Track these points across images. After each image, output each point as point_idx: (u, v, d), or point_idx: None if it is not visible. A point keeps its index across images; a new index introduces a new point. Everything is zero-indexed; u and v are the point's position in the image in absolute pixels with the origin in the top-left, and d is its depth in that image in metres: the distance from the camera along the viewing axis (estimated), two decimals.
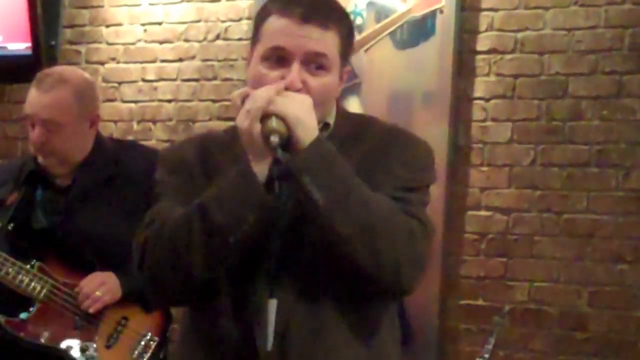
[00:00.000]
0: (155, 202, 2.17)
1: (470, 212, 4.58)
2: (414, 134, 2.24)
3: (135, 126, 5.26)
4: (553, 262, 4.43)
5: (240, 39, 5.00)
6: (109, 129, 5.30)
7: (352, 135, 2.14)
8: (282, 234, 2.05)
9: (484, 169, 4.56)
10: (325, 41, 2.07)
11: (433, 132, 4.56)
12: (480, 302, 4.55)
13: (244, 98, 2.04)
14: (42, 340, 3.23)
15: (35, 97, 3.27)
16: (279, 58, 2.07)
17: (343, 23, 2.13)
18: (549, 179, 4.45)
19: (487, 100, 4.57)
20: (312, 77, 2.07)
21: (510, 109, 4.53)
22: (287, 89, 2.04)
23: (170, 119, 5.17)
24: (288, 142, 1.99)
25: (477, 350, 3.94)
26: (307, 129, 2.00)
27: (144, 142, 5.18)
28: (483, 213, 4.56)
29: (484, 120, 4.57)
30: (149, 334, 3.32)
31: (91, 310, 3.23)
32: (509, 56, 4.55)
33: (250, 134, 1.99)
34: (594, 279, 4.36)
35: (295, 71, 2.04)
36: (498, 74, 4.56)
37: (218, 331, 2.07)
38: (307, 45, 2.06)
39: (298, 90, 2.04)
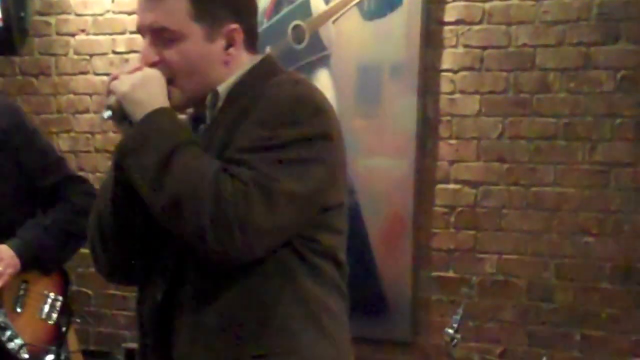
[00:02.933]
0: (286, 165, 2.00)
1: (439, 186, 4.60)
2: (291, 87, 2.06)
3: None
4: (520, 235, 4.47)
5: None
6: (85, 103, 5.30)
7: (234, 100, 2.08)
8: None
9: (453, 142, 4.57)
10: (164, 11, 2.04)
11: (402, 104, 4.58)
12: (450, 273, 4.61)
13: None
14: None
15: None
16: (141, 35, 2.11)
17: None
18: (517, 152, 4.47)
19: (455, 72, 4.56)
20: (166, 49, 2.05)
21: (478, 81, 4.52)
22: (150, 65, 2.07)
23: None
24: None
25: (448, 321, 3.99)
26: (134, 104, 2.01)
27: None
28: (452, 186, 4.58)
29: (452, 93, 4.57)
30: (52, 293, 3.36)
31: None
32: (476, 27, 4.52)
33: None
34: (561, 251, 4.41)
35: (143, 48, 2.08)
36: (466, 46, 4.54)
37: None
38: (146, 20, 2.06)
39: (153, 65, 2.06)
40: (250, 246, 1.97)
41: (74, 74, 5.28)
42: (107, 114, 2.06)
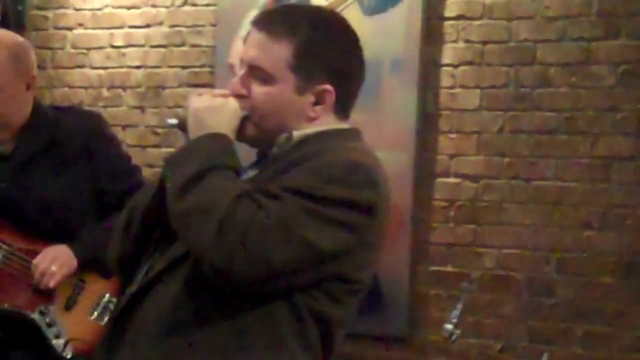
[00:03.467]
0: (317, 218, 1.97)
1: (439, 179, 4.59)
2: (349, 153, 2.04)
3: (105, 93, 5.24)
4: (521, 229, 4.46)
5: (207, 5, 4.97)
6: (79, 96, 5.29)
7: (304, 150, 2.08)
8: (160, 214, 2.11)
9: (453, 136, 4.57)
10: (268, 52, 2.06)
11: (402, 99, 4.57)
12: (449, 268, 4.59)
13: None
14: (5, 305, 3.24)
15: None
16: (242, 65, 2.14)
17: (300, 34, 2.06)
18: (518, 146, 4.46)
19: (456, 66, 4.56)
20: (256, 86, 2.08)
21: (478, 76, 4.52)
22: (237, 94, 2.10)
23: (139, 86, 5.16)
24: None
25: (447, 316, 3.95)
26: (199, 122, 2.06)
27: (115, 109, 5.21)
28: (452, 180, 4.57)
29: (452, 87, 4.57)
30: (107, 294, 3.34)
31: (51, 285, 3.24)
32: (477, 22, 4.53)
33: None
34: (562, 245, 4.39)
35: (236, 78, 2.10)
36: (466, 40, 4.55)
37: None
38: (249, 53, 2.10)
39: (240, 96, 2.08)
40: (250, 275, 1.94)
41: (70, 68, 5.28)
42: (172, 121, 2.14)
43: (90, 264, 3.29)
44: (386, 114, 4.60)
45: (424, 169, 4.58)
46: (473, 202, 4.54)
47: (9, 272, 3.26)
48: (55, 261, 3.24)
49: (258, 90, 2.08)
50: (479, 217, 4.52)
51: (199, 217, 1.95)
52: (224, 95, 2.09)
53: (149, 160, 5.11)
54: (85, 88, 5.27)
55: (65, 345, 3.24)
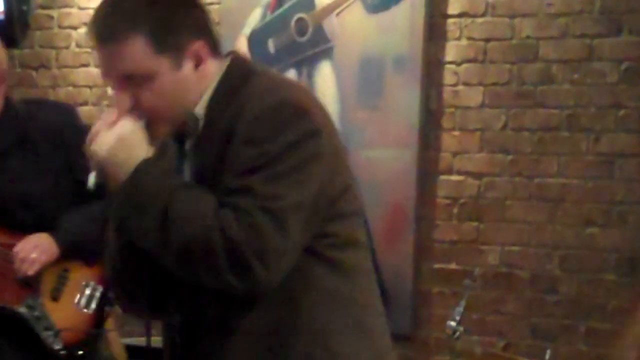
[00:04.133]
0: (284, 179, 1.97)
1: (442, 177, 4.59)
2: (269, 94, 2.00)
3: (109, 91, 5.19)
4: (524, 226, 4.46)
5: (211, 4, 4.94)
6: (84, 95, 5.29)
7: (213, 117, 2.05)
8: None
9: (456, 133, 4.57)
10: (126, 56, 1.99)
11: (404, 96, 4.58)
12: (452, 265, 4.59)
13: None
14: None
15: None
16: (110, 81, 2.07)
17: (141, 20, 2.00)
18: (520, 143, 4.46)
19: (459, 64, 4.56)
20: (139, 90, 2.02)
21: (481, 73, 4.52)
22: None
23: None
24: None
25: (450, 313, 3.96)
26: (115, 167, 2.01)
27: None
28: (455, 177, 4.57)
29: (455, 85, 4.57)
30: (92, 282, 3.34)
31: (30, 273, 3.23)
32: (479, 20, 4.53)
33: None
34: (565, 242, 4.39)
35: (116, 96, 2.04)
36: (469, 38, 4.55)
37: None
38: (112, 68, 2.02)
39: (130, 109, 2.03)
40: (273, 273, 1.96)
41: (75, 67, 5.28)
42: (92, 182, 2.07)
43: (72, 251, 3.27)
44: (389, 111, 4.60)
45: (427, 166, 4.59)
46: (476, 199, 4.54)
47: None
48: (36, 248, 3.23)
49: (143, 93, 2.01)
50: (482, 215, 4.53)
51: (198, 253, 1.93)
52: (114, 121, 2.02)
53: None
54: (90, 87, 5.27)
55: (55, 336, 3.23)
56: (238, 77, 2.06)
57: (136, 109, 2.02)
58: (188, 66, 2.02)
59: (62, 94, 5.33)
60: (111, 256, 2.15)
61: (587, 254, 4.36)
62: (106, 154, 2.01)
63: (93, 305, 3.33)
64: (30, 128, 3.28)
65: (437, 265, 4.61)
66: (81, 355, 3.30)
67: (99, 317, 3.37)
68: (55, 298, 3.30)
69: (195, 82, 2.04)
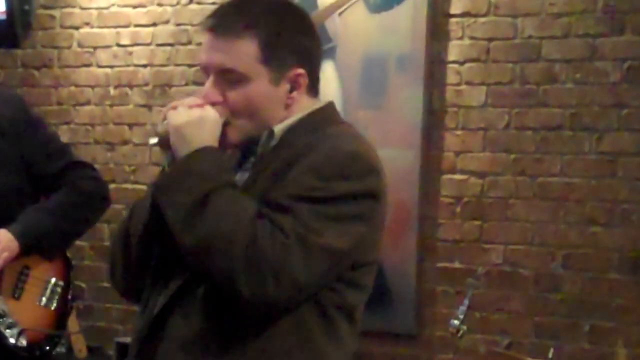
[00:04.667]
0: (331, 219, 1.99)
1: (445, 176, 4.60)
2: (346, 141, 2.05)
3: (112, 91, 5.24)
4: (527, 225, 4.47)
5: (214, 3, 4.95)
6: (87, 95, 5.30)
7: (288, 145, 2.08)
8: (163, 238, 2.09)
9: (459, 132, 4.58)
10: (235, 53, 2.03)
11: (407, 95, 4.58)
12: (456, 264, 4.60)
13: None
14: None
15: None
16: (204, 72, 2.10)
17: (261, 26, 2.04)
18: (523, 143, 4.47)
19: (461, 63, 4.57)
20: (230, 90, 2.05)
21: (484, 73, 4.53)
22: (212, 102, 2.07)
23: (146, 84, 5.16)
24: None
25: (454, 312, 3.96)
26: (182, 139, 2.01)
27: (122, 108, 5.21)
28: (458, 177, 4.58)
29: (458, 84, 4.58)
30: (53, 279, 3.32)
31: None
32: (482, 19, 4.54)
33: None
34: (568, 241, 4.40)
35: (207, 86, 2.07)
36: (472, 37, 4.56)
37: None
38: (215, 60, 2.05)
39: (215, 103, 2.05)
40: (283, 297, 1.96)
41: (77, 67, 5.28)
42: (154, 140, 2.06)
43: (31, 246, 3.22)
44: (392, 111, 4.61)
45: (430, 165, 4.59)
46: (479, 198, 4.55)
47: None
48: None
49: (233, 93, 2.05)
50: (486, 214, 4.54)
51: (219, 248, 1.94)
52: (200, 105, 2.05)
53: (156, 158, 5.07)
54: (92, 87, 5.27)
55: (19, 334, 3.19)
56: (324, 118, 2.11)
57: (220, 108, 2.05)
58: (283, 87, 2.06)
59: (64, 93, 5.33)
60: (128, 237, 2.14)
61: (591, 253, 4.37)
62: (180, 124, 2.01)
63: (55, 302, 3.31)
64: None
65: (440, 264, 4.62)
66: (42, 354, 3.27)
67: (61, 314, 3.34)
68: (16, 296, 3.25)
69: (283, 104, 2.07)
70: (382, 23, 4.64)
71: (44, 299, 3.31)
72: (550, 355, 3.91)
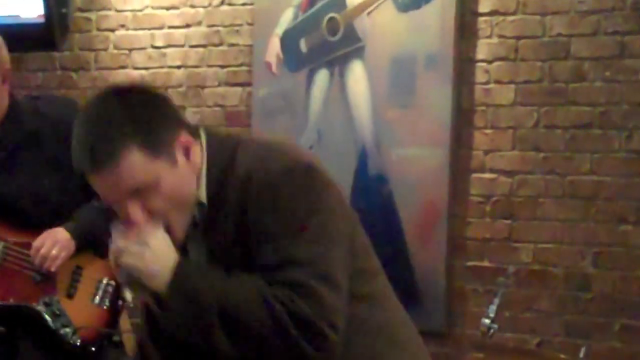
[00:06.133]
0: (317, 239, 2.03)
1: (474, 175, 4.60)
2: (271, 163, 2.03)
3: None
4: (557, 224, 4.45)
5: (244, 4, 5.01)
6: None
7: (219, 198, 2.05)
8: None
9: (488, 131, 4.57)
10: (126, 174, 1.98)
11: (436, 95, 4.59)
12: (486, 263, 4.59)
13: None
14: (11, 300, 3.27)
15: None
16: (117, 204, 2.04)
17: (134, 130, 1.97)
18: (553, 141, 4.46)
19: (490, 62, 4.56)
20: (148, 199, 2.01)
21: (513, 71, 4.52)
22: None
23: (180, 85, 5.20)
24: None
25: (484, 311, 3.95)
26: (154, 277, 2.00)
27: None
28: (487, 175, 4.58)
29: (487, 83, 4.57)
30: (105, 278, 3.36)
31: (52, 269, 3.25)
32: (510, 17, 4.52)
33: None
34: (598, 239, 4.38)
35: (131, 213, 2.00)
36: (500, 36, 4.54)
37: None
38: (115, 189, 2.00)
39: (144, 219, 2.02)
40: (340, 330, 2.01)
41: (113, 68, 5.34)
42: (129, 296, 2.04)
43: (85, 244, 3.28)
44: (421, 110, 4.62)
45: (460, 164, 4.60)
46: (508, 197, 4.54)
47: (8, 267, 3.27)
48: (56, 244, 3.24)
49: (152, 201, 2.00)
50: (515, 212, 4.53)
51: (270, 338, 1.96)
52: (132, 233, 2.01)
53: None
54: None
55: (73, 333, 3.26)
56: (224, 150, 2.08)
57: (150, 218, 2.01)
58: (181, 159, 2.03)
59: None
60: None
61: (621, 251, 4.34)
62: (142, 268, 2.00)
63: (107, 301, 3.37)
64: (38, 124, 3.28)
65: (470, 263, 4.62)
66: (94, 350, 3.33)
67: (113, 313, 3.40)
68: (70, 295, 3.32)
69: (191, 171, 2.05)
70: (410, 22, 4.65)
71: (97, 298, 3.37)
72: (581, 354, 3.90)
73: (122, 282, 2.06)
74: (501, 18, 4.54)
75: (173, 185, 2.01)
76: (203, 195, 2.07)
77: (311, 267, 1.98)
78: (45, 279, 3.30)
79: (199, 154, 2.07)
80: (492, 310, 3.93)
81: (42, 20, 5.30)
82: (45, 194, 3.27)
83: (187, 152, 2.04)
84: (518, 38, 4.51)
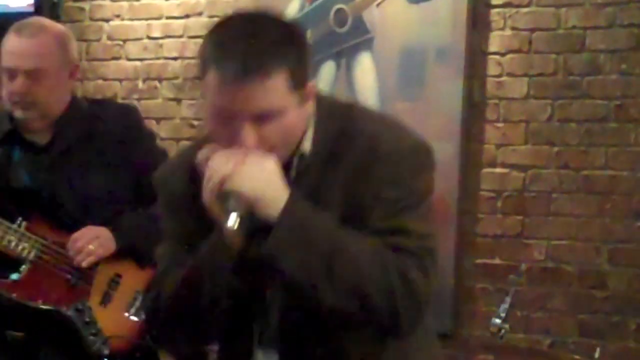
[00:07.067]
0: (161, 239, 2.12)
1: (485, 170, 4.51)
2: (400, 135, 2.05)
3: (140, 84, 5.17)
4: (571, 220, 4.37)
5: None
6: (114, 88, 5.23)
7: (332, 155, 2.00)
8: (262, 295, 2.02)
9: (500, 125, 4.49)
10: (270, 92, 1.90)
11: (447, 88, 4.51)
12: (496, 260, 4.49)
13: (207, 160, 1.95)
14: (39, 302, 3.16)
15: (17, 46, 3.16)
16: (225, 117, 1.92)
17: (288, 54, 1.93)
18: (567, 135, 4.38)
19: (503, 55, 4.49)
20: (266, 128, 1.92)
21: (526, 64, 4.45)
22: None
23: (176, 77, 5.08)
24: (253, 216, 1.90)
25: (494, 310, 3.86)
26: (269, 203, 1.90)
27: (150, 101, 5.14)
28: (499, 170, 4.49)
29: (499, 76, 4.50)
30: (143, 290, 3.26)
31: (84, 265, 3.17)
32: (524, 9, 4.46)
33: (213, 212, 1.91)
34: (614, 236, 4.30)
35: (246, 136, 1.91)
36: (513, 28, 4.48)
37: None
38: (251, 105, 1.89)
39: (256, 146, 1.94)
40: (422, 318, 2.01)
41: (105, 60, 5.22)
42: (234, 222, 1.87)
43: (128, 251, 3.22)
44: (432, 103, 4.52)
45: (471, 159, 4.50)
46: (521, 192, 4.45)
47: (43, 267, 3.17)
48: (95, 239, 3.17)
49: (268, 129, 1.92)
50: (527, 208, 4.43)
51: (372, 295, 1.91)
52: (239, 158, 1.90)
53: None
54: (120, 80, 5.20)
55: (103, 343, 3.16)
56: (336, 110, 2.06)
57: (261, 146, 1.92)
58: (305, 104, 1.99)
59: (90, 87, 5.24)
60: (198, 308, 2.02)
61: (637, 248, 4.26)
62: (258, 191, 1.88)
63: (143, 314, 3.21)
64: (95, 127, 3.26)
65: (480, 260, 4.51)
66: None
67: (146, 328, 3.25)
68: (104, 303, 3.22)
69: (306, 121, 2.01)
70: (421, 14, 4.56)
71: (132, 309, 3.26)
72: (596, 355, 3.79)
73: (226, 209, 1.88)
74: (514, 10, 4.47)
75: (293, 124, 1.96)
76: (307, 146, 2.02)
77: (421, 240, 1.97)
78: (81, 283, 3.20)
79: (312, 106, 2.03)
80: (503, 309, 3.82)
81: (31, 9, 5.16)
82: (94, 197, 3.22)
83: (309, 98, 2.00)
84: (532, 30, 4.45)
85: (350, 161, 1.97)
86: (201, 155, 1.95)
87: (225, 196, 1.88)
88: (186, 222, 2.04)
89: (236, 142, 1.90)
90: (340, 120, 2.03)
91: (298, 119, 1.96)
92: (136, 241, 3.20)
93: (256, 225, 1.90)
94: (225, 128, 1.91)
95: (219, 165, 1.89)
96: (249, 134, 1.90)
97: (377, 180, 1.95)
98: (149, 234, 3.13)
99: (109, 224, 3.21)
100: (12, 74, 3.15)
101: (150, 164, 3.21)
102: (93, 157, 3.23)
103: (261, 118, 1.90)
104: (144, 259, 3.23)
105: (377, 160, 1.96)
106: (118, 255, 3.23)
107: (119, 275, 3.25)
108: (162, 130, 5.09)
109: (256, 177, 1.89)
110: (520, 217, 4.45)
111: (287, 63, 1.91)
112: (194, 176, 1.98)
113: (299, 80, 1.93)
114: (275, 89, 1.89)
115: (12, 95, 3.16)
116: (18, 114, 3.19)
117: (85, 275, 3.20)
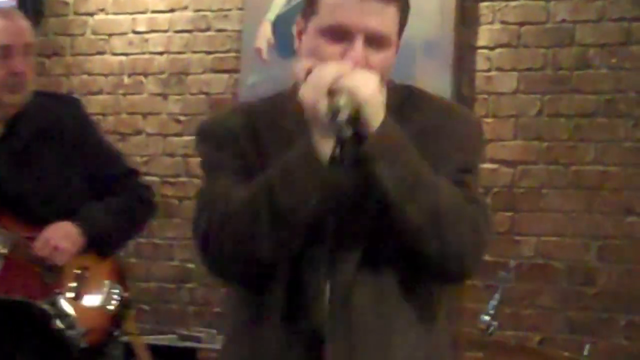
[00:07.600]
0: (207, 180, 2.08)
1: None
2: (466, 111, 2.22)
3: (126, 80, 5.14)
4: (560, 216, 4.36)
5: None
6: (100, 83, 5.20)
7: (402, 110, 2.03)
8: (339, 211, 1.98)
9: (489, 120, 4.47)
10: (387, 18, 1.99)
11: (435, 82, 4.47)
12: (485, 257, 4.44)
13: (308, 72, 1.97)
14: (16, 296, 3.14)
15: (10, 24, 3.08)
16: (339, 34, 1.98)
17: None
18: (556, 130, 4.37)
19: (492, 49, 4.48)
20: (374, 53, 1.98)
21: (515, 58, 4.44)
22: None
23: (162, 72, 5.05)
24: (355, 121, 1.91)
25: (482, 307, 3.83)
26: (376, 109, 1.93)
27: (135, 96, 5.11)
28: (488, 166, 4.45)
29: (488, 70, 4.49)
30: (108, 281, 3.26)
31: (59, 263, 3.13)
32: (513, 3, 4.45)
33: (316, 110, 1.91)
34: (603, 232, 4.30)
35: (359, 50, 1.96)
36: (502, 22, 4.46)
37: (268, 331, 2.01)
38: (370, 23, 1.96)
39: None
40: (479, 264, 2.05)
41: (90, 54, 5.19)
42: (344, 116, 1.88)
43: (93, 243, 3.18)
44: None
45: None
46: (510, 188, 4.43)
47: (16, 262, 3.14)
48: (66, 238, 3.13)
49: (374, 57, 1.97)
50: (517, 204, 4.42)
51: (452, 226, 1.94)
52: (349, 66, 1.94)
53: (170, 149, 5.03)
54: (105, 75, 5.17)
55: (82, 335, 3.14)
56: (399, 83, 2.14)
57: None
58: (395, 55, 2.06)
59: (75, 82, 5.22)
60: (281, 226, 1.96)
61: (627, 244, 4.25)
62: (370, 93, 1.91)
63: (112, 305, 3.25)
64: (46, 121, 3.19)
65: None
66: (100, 355, 3.23)
67: (118, 317, 3.30)
68: (76, 296, 3.19)
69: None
70: None
71: (102, 301, 3.24)
72: (585, 352, 3.77)
73: (335, 105, 1.89)
74: (503, 4, 4.46)
75: (390, 62, 2.02)
76: (383, 93, 2.02)
77: (479, 196, 2.05)
78: (52, 277, 3.16)
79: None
80: (491, 306, 3.79)
81: (13, 3, 5.09)
82: (58, 194, 3.17)
83: (398, 49, 2.06)
84: (521, 24, 4.43)
85: (420, 120, 2.03)
86: (299, 66, 2.01)
87: (335, 94, 1.89)
88: (245, 155, 2.03)
89: (345, 59, 1.96)
90: (407, 86, 2.10)
91: (392, 61, 2.03)
92: (101, 234, 3.19)
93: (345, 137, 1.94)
94: (334, 45, 1.97)
95: (332, 67, 1.94)
96: (360, 49, 1.95)
97: (447, 140, 2.02)
98: (111, 226, 3.21)
99: (70, 217, 3.16)
100: (7, 52, 3.06)
101: (103, 157, 3.30)
102: (48, 153, 3.18)
103: (373, 42, 1.97)
104: (106, 249, 3.25)
105: (449, 124, 2.04)
106: (87, 247, 3.19)
107: (85, 268, 3.22)
108: (147, 126, 5.07)
109: (366, 82, 1.92)
110: (509, 214, 4.44)
111: (401, 2, 2.02)
112: (251, 117, 2.06)
113: (402, 24, 2.03)
114: (390, 17, 1.99)
115: (9, 75, 3.08)
116: (8, 98, 3.11)
117: (54, 270, 3.16)
